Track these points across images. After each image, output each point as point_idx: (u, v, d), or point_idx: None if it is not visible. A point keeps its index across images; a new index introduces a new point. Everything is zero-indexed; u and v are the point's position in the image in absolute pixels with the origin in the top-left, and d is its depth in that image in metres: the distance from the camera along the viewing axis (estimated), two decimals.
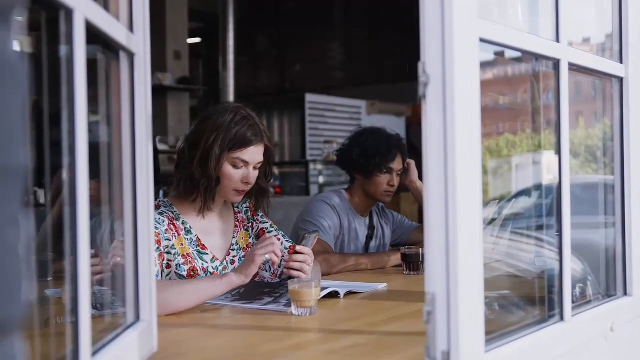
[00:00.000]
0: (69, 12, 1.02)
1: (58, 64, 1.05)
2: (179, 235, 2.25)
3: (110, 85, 1.39)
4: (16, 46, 0.61)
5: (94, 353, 1.13)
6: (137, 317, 1.42)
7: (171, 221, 2.24)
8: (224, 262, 2.34)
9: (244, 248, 2.42)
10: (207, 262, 2.28)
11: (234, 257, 2.38)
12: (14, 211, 0.60)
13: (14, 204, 0.60)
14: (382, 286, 2.42)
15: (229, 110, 2.28)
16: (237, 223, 2.44)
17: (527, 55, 1.64)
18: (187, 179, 2.26)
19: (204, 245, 2.30)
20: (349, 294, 2.25)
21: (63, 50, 1.05)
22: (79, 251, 1.04)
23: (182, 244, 2.24)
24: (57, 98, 1.05)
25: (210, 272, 2.28)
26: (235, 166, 2.26)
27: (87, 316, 1.05)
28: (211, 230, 2.35)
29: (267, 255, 2.04)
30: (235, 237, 2.41)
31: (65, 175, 1.04)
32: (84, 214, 1.05)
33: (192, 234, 2.28)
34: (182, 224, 2.28)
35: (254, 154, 2.28)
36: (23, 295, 0.61)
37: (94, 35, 1.15)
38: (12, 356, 0.60)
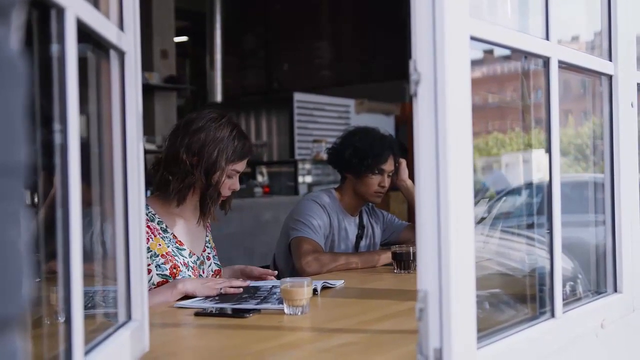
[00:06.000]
0: (61, 11, 1.02)
1: (49, 62, 1.04)
2: (155, 236, 2.32)
3: (101, 84, 1.38)
4: (15, 45, 0.61)
5: (86, 352, 1.12)
6: (129, 317, 1.41)
7: (146, 223, 2.27)
8: (201, 257, 2.45)
9: (213, 247, 2.56)
10: (186, 258, 2.38)
11: (208, 253, 2.51)
12: (15, 208, 0.60)
13: (15, 201, 0.60)
14: (339, 283, 2.45)
15: (224, 122, 2.38)
16: (208, 224, 2.56)
17: (516, 54, 1.65)
18: (188, 188, 2.34)
19: (180, 241, 2.39)
20: (325, 288, 2.30)
21: (54, 48, 1.04)
22: (71, 251, 1.03)
23: (159, 244, 2.32)
24: (48, 97, 1.04)
25: (191, 267, 2.37)
26: (229, 176, 2.38)
27: (79, 316, 1.05)
28: (186, 229, 2.44)
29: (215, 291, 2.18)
30: (207, 236, 2.54)
31: (56, 175, 1.04)
32: (76, 214, 1.04)
33: (168, 232, 2.37)
34: (158, 224, 2.36)
35: (245, 164, 2.44)
36: (24, 292, 0.61)
37: (84, 34, 1.15)
38: (13, 352, 0.60)
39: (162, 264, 2.29)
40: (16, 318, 0.60)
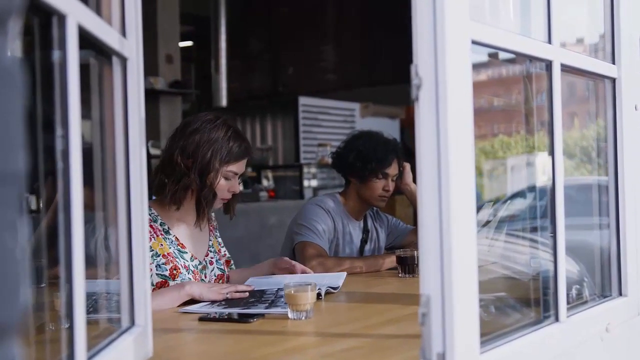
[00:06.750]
0: (62, 18, 1.02)
1: (51, 68, 1.05)
2: (157, 236, 2.33)
3: (103, 90, 1.39)
4: (13, 52, 0.62)
5: (89, 358, 1.12)
6: (132, 322, 1.41)
7: (149, 223, 2.28)
8: (203, 262, 2.45)
9: (217, 251, 2.55)
10: (187, 261, 2.38)
11: (211, 258, 2.50)
12: (12, 216, 0.61)
13: (12, 208, 0.61)
14: (342, 275, 2.50)
15: (219, 124, 2.38)
16: (211, 228, 2.57)
17: (521, 57, 1.64)
18: (183, 189, 2.34)
19: (182, 244, 2.39)
20: (328, 293, 2.30)
21: (55, 55, 1.04)
22: (73, 257, 1.04)
23: (161, 245, 2.33)
24: (50, 103, 1.05)
25: (192, 270, 2.37)
26: (226, 178, 2.38)
27: (82, 322, 1.05)
28: (189, 234, 2.44)
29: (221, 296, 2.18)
30: (211, 240, 2.54)
31: (58, 181, 1.04)
32: (78, 220, 1.04)
33: (171, 234, 2.37)
34: (160, 225, 2.37)
35: (244, 165, 2.44)
36: (21, 299, 0.62)
37: (86, 40, 1.15)
38: (11, 359, 0.60)
39: (163, 264, 2.29)
40: (14, 325, 0.61)
